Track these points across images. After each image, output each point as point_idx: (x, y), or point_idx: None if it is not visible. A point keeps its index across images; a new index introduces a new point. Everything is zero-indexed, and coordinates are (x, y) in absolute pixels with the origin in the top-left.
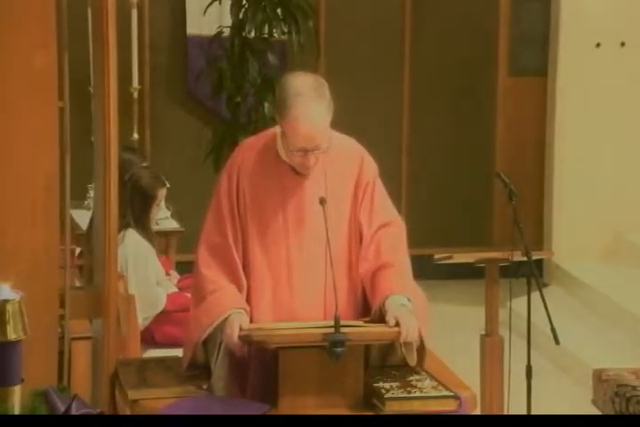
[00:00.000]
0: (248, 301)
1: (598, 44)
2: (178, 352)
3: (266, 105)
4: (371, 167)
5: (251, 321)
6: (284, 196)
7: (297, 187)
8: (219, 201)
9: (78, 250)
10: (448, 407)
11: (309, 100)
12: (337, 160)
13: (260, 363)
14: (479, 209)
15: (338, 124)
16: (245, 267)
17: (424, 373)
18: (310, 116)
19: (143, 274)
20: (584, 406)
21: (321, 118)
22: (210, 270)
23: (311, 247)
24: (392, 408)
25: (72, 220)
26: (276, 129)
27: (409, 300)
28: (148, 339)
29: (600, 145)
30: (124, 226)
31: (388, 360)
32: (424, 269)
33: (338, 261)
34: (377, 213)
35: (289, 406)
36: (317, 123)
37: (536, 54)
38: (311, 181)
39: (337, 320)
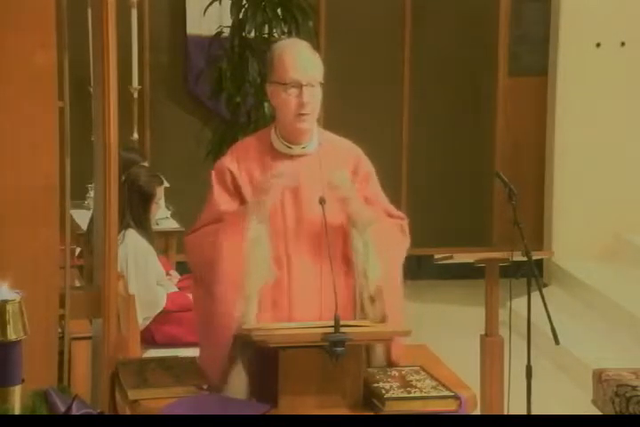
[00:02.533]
0: None
1: (598, 44)
2: (178, 352)
3: (266, 105)
4: (368, 165)
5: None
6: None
7: None
8: (212, 202)
9: (78, 250)
10: (448, 407)
11: (298, 43)
12: (332, 153)
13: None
14: (479, 209)
15: (338, 123)
16: None
17: (424, 373)
18: (300, 50)
19: (143, 274)
20: (584, 406)
21: (311, 55)
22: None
23: (309, 241)
24: (392, 408)
25: (72, 220)
26: (270, 127)
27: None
28: (148, 339)
29: (600, 145)
30: (124, 226)
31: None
32: (424, 269)
33: (335, 257)
34: (376, 202)
35: (289, 406)
36: (308, 56)
37: (536, 54)
38: (307, 173)
39: (337, 320)
